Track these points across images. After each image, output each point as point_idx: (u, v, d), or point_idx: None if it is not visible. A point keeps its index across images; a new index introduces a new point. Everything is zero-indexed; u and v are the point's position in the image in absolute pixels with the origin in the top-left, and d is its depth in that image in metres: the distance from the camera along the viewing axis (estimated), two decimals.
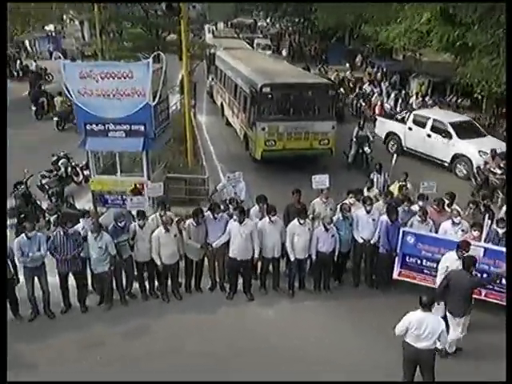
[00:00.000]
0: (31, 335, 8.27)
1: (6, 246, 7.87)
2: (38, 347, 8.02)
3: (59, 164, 13.44)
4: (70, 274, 8.72)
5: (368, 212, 9.38)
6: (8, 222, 10.09)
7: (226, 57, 21.51)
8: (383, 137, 18.48)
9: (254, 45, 36.75)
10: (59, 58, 10.72)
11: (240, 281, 9.45)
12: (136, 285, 9.28)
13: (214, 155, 17.13)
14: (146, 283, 9.29)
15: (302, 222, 9.06)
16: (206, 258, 9.43)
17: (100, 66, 10.80)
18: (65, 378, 7.33)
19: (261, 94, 14.94)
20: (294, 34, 48.63)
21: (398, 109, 21.79)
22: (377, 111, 21.87)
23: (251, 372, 7.48)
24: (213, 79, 24.60)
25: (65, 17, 43.67)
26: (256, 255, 9.06)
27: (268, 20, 59.88)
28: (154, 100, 10.10)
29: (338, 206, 9.66)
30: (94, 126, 10.31)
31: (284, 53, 41.64)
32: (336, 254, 9.36)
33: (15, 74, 32.08)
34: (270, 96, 15.09)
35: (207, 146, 17.85)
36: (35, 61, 33.11)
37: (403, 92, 24.19)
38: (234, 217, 8.94)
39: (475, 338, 8.02)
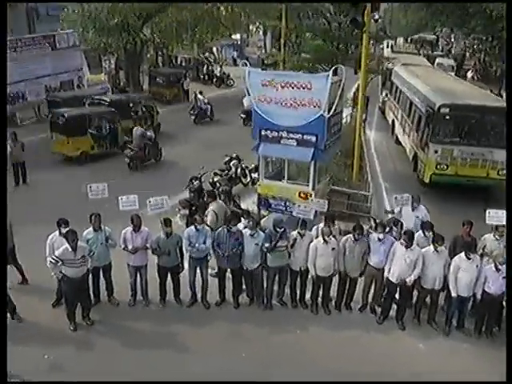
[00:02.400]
0: (187, 319, 8.88)
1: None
2: (192, 330, 8.60)
3: (231, 164, 14.29)
4: (228, 270, 9.16)
5: None
6: (181, 212, 10.98)
7: (403, 73, 20.89)
8: None
9: (435, 65, 34.95)
10: (245, 64, 11.35)
11: (393, 306, 9.06)
12: (287, 291, 9.40)
13: (379, 173, 16.78)
14: (298, 291, 9.36)
15: (470, 256, 8.36)
16: (361, 277, 9.20)
17: (281, 75, 11.20)
18: (205, 366, 7.70)
19: (438, 114, 14.23)
20: (479, 52, 45.38)
21: None
22: None
23: None
24: (386, 95, 24.07)
25: (251, 27, 46.34)
26: (409, 282, 8.58)
27: (452, 37, 56.81)
28: (328, 112, 10.16)
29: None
30: (269, 132, 10.71)
31: (469, 74, 38.82)
32: (505, 298, 8.45)
33: (201, 77, 34.83)
34: (447, 117, 14.30)
35: (373, 163, 17.51)
36: (221, 66, 35.62)
37: None
38: (401, 240, 8.59)
39: None
